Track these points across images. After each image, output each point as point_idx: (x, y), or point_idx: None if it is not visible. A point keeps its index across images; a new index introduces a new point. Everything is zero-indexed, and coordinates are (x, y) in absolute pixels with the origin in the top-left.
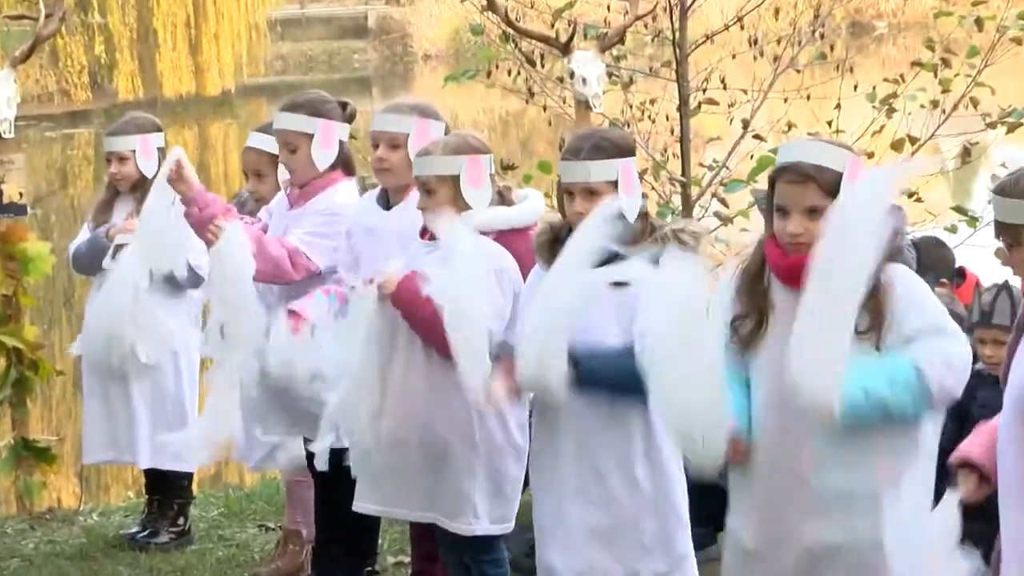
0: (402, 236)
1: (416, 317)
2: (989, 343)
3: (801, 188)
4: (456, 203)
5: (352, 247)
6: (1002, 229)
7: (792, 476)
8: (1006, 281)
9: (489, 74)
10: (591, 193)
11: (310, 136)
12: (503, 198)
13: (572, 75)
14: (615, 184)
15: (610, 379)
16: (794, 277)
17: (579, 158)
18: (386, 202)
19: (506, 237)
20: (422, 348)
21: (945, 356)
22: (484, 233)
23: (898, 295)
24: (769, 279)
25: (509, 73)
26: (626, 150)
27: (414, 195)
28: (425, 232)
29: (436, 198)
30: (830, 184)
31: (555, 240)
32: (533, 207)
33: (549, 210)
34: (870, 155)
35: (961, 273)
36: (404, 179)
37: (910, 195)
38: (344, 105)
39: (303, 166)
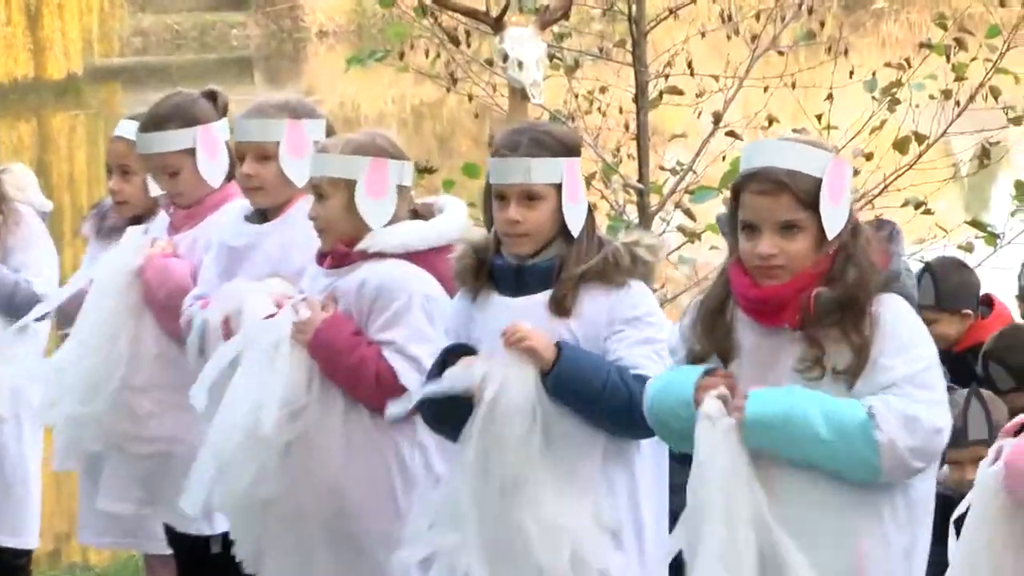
0: (279, 259)
1: (339, 367)
2: (968, 464)
3: (772, 199)
4: (350, 214)
5: (217, 273)
6: None
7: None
8: (973, 385)
9: (401, 55)
10: (530, 198)
11: (191, 151)
12: (419, 216)
13: (505, 57)
14: (558, 188)
15: (590, 381)
16: (766, 312)
17: (517, 154)
18: (260, 215)
19: (422, 259)
20: (342, 399)
21: (908, 414)
22: (400, 256)
23: (884, 333)
24: (734, 314)
25: (426, 54)
26: (572, 148)
27: (295, 208)
28: (327, 256)
29: (328, 206)
30: (807, 193)
31: (479, 264)
32: (454, 221)
33: (476, 224)
34: (868, 156)
35: (988, 302)
36: (279, 196)
37: (917, 206)
38: (213, 96)
39: (191, 186)
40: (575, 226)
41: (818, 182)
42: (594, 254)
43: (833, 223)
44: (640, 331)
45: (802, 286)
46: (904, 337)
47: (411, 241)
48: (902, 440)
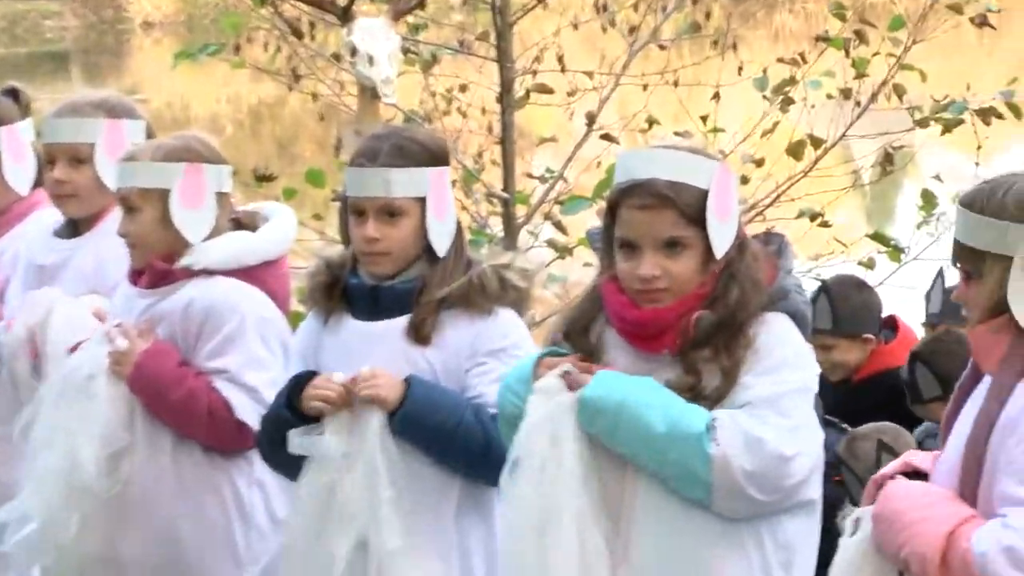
0: (93, 277)
1: (165, 403)
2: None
3: (654, 215)
4: (164, 228)
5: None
6: (962, 254)
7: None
8: (878, 443)
9: (237, 49)
10: (390, 213)
11: None
12: (242, 226)
13: (354, 52)
14: (423, 201)
15: (443, 421)
16: (644, 336)
17: (376, 164)
18: (71, 228)
19: (252, 275)
20: (170, 436)
21: (753, 434)
22: (228, 272)
23: (756, 355)
24: (602, 336)
25: (265, 48)
26: (439, 156)
27: (111, 218)
28: (140, 274)
29: (140, 220)
30: (692, 208)
31: (333, 282)
32: (283, 231)
33: (324, 240)
34: (759, 162)
35: (892, 324)
36: (94, 204)
37: (813, 217)
38: (14, 94)
39: None
40: (441, 245)
41: (704, 194)
42: (460, 276)
43: (721, 240)
44: (505, 365)
45: (686, 309)
46: (775, 358)
47: (241, 256)
48: (739, 460)
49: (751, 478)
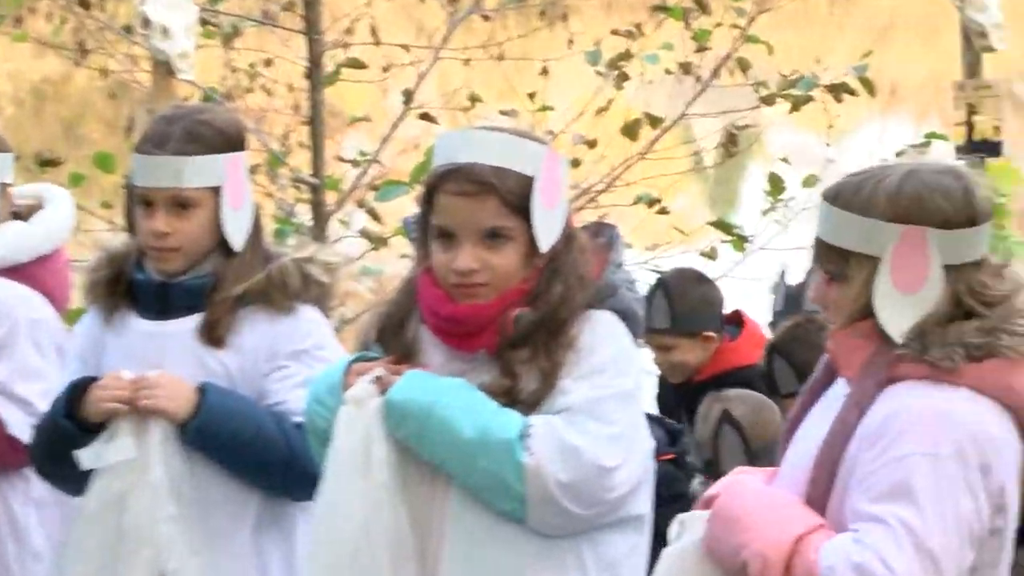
0: None
1: None
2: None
3: (474, 203)
4: None
5: None
6: (825, 253)
7: None
8: (724, 412)
9: (18, 21)
10: (182, 205)
11: None
12: (20, 217)
13: (147, 23)
14: (217, 191)
15: (240, 431)
16: (459, 334)
17: (165, 151)
18: None
19: (24, 273)
20: None
21: (569, 443)
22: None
23: (578, 356)
24: (417, 331)
25: (49, 19)
26: (235, 140)
27: None
28: None
29: None
30: (515, 196)
31: (116, 278)
32: (57, 220)
33: (114, 231)
34: (592, 144)
35: (737, 320)
36: None
37: (651, 203)
38: None
39: None
40: (237, 237)
41: (529, 182)
42: (259, 271)
43: (547, 232)
44: (308, 368)
45: (506, 306)
46: (596, 361)
47: (12, 253)
48: (553, 470)
49: (567, 490)
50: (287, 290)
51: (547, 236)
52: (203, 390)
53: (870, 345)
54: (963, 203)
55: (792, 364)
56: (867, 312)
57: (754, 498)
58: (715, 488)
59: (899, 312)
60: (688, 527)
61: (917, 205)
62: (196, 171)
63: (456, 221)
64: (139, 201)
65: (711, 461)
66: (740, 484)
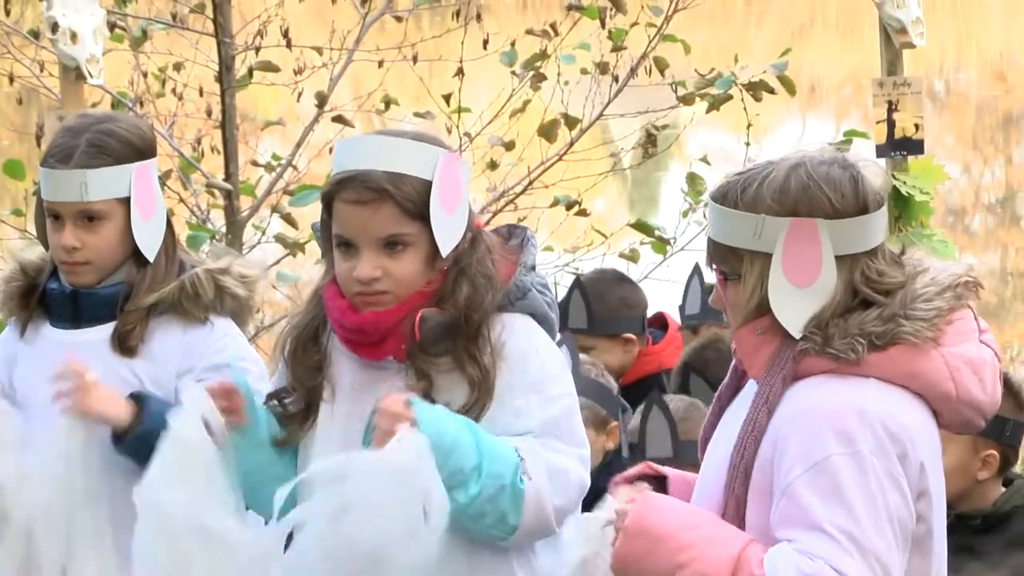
0: None
1: None
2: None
3: (371, 211)
4: None
5: None
6: (718, 253)
7: None
8: (655, 392)
9: None
10: (90, 219)
11: None
12: None
13: (54, 27)
14: (126, 201)
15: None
16: (365, 343)
17: (69, 165)
18: None
19: None
20: None
21: (556, 465)
22: None
23: (508, 364)
24: (330, 343)
25: None
26: (143, 148)
27: None
28: None
29: None
30: (413, 202)
31: (31, 289)
32: None
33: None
34: (509, 145)
35: (660, 322)
36: None
37: (570, 206)
38: None
39: None
40: (149, 247)
41: (427, 186)
42: (173, 280)
43: (447, 236)
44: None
45: (409, 311)
46: (534, 371)
47: None
48: (549, 496)
49: (559, 514)
50: (200, 301)
51: (447, 241)
52: (140, 398)
53: (772, 342)
54: (851, 192)
55: (709, 383)
56: (764, 309)
57: (676, 517)
58: (620, 502)
59: (795, 306)
60: (585, 532)
61: (804, 197)
62: (101, 185)
63: (354, 230)
64: (48, 214)
65: (636, 446)
66: (658, 500)
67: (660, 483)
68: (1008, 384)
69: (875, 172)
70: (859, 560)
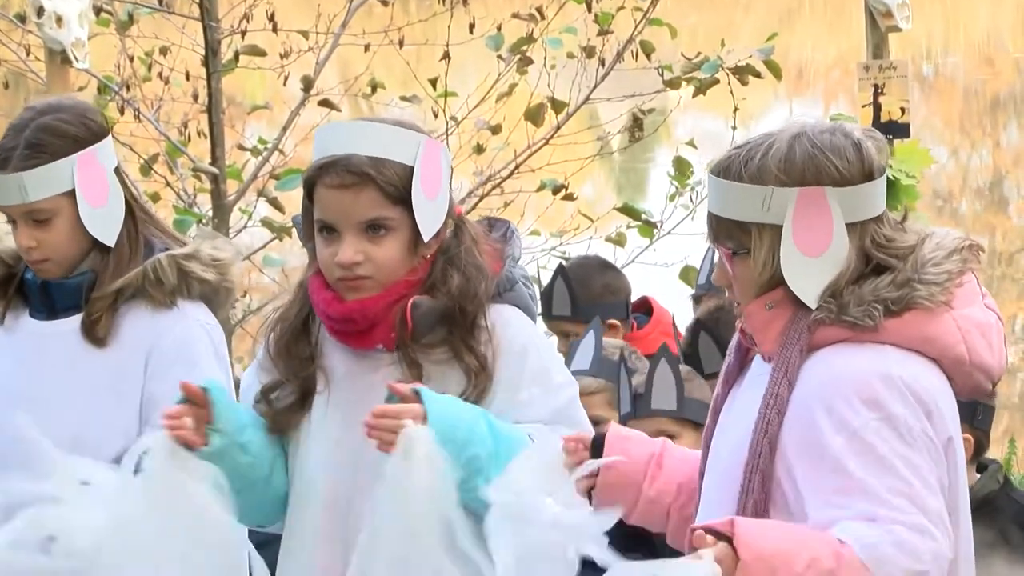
0: None
1: None
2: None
3: (353, 195)
4: None
5: None
6: (722, 229)
7: None
8: (663, 347)
9: None
10: (39, 219)
11: None
12: None
13: (40, 11)
14: (73, 196)
15: None
16: (353, 332)
17: (7, 170)
18: None
19: None
20: None
21: None
22: None
23: (506, 355)
24: (320, 334)
25: None
26: (84, 137)
27: None
28: None
29: None
30: (395, 186)
31: (9, 278)
32: None
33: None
34: (495, 129)
35: (645, 307)
36: None
37: (556, 190)
38: None
39: None
40: (105, 233)
41: (409, 171)
42: (140, 262)
43: (429, 221)
44: (194, 367)
45: (396, 298)
46: (533, 360)
47: None
48: None
49: None
50: (163, 287)
51: (429, 225)
52: None
53: (784, 315)
54: (856, 159)
55: (718, 342)
56: (775, 283)
57: (771, 531)
58: (707, 548)
59: (810, 276)
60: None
61: (811, 165)
62: (40, 184)
63: (336, 214)
64: (7, 215)
65: (641, 396)
66: (747, 524)
67: (596, 448)
68: None
69: (878, 141)
70: (922, 519)
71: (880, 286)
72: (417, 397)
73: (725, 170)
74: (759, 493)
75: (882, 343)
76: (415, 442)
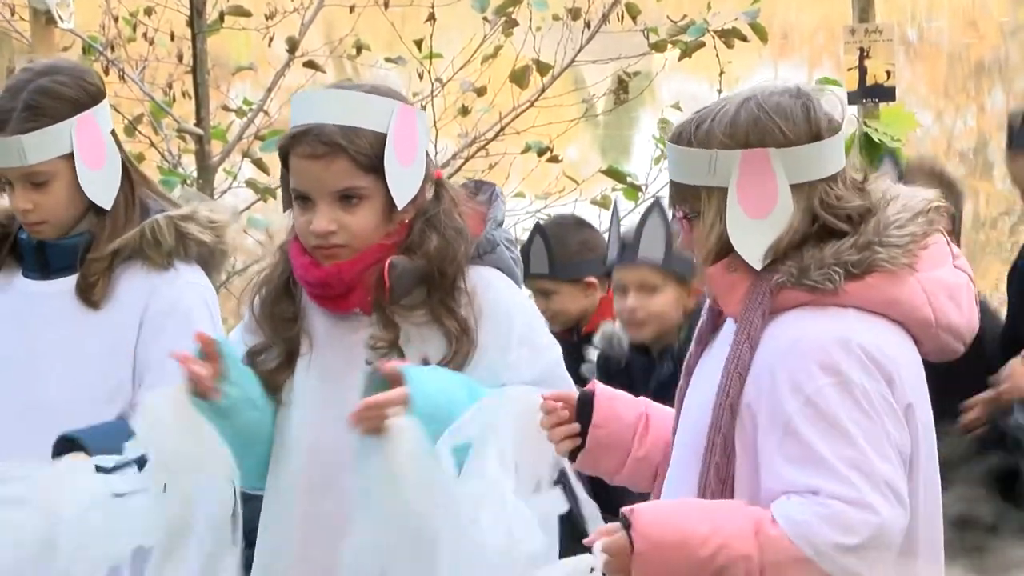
0: None
1: None
2: (633, 289)
3: (325, 165)
4: None
5: None
6: (679, 194)
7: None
8: (656, 200)
9: None
10: (36, 184)
11: None
12: None
13: None
14: (71, 158)
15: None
16: (331, 296)
17: (5, 132)
18: None
19: None
20: None
21: None
22: None
23: (487, 317)
24: (302, 297)
25: None
26: (82, 100)
27: None
28: None
29: None
30: (366, 155)
31: (4, 237)
32: None
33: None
34: (480, 91)
35: None
36: None
37: (541, 152)
38: None
39: None
40: (103, 196)
41: (382, 139)
42: (136, 226)
43: (403, 189)
44: (183, 334)
45: (372, 261)
46: (519, 321)
47: None
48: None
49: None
50: (160, 248)
51: (403, 193)
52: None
53: (745, 278)
54: (803, 119)
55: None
56: (729, 246)
57: (674, 517)
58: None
59: (753, 237)
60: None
61: (755, 128)
62: (39, 146)
63: (309, 183)
64: (3, 179)
65: (629, 245)
66: (647, 514)
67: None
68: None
69: (831, 101)
70: (870, 489)
71: (842, 249)
72: (401, 377)
73: (678, 136)
74: (721, 456)
75: (844, 307)
76: (402, 436)
